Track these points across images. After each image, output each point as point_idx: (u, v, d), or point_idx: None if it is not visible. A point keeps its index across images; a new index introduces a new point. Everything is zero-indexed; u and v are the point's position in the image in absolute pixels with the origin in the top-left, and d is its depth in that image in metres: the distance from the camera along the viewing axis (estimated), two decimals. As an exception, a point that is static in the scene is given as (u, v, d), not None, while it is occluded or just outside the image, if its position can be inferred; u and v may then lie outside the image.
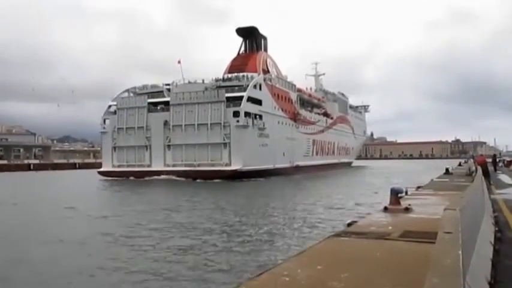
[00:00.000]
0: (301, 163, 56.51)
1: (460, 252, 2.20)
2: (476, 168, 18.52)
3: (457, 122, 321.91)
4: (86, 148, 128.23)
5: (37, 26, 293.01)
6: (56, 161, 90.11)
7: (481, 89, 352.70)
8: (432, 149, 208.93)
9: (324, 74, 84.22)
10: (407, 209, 7.85)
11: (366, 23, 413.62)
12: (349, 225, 6.45)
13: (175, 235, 13.21)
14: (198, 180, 40.42)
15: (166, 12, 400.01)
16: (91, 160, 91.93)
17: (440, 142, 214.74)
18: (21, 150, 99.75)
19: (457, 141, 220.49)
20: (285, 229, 13.90)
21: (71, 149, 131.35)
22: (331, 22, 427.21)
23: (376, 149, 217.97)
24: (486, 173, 16.97)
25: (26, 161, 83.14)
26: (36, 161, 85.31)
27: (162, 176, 43.82)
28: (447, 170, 26.45)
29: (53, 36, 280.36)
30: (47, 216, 18.40)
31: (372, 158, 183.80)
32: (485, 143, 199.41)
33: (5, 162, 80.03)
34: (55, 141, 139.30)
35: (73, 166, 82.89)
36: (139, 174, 45.49)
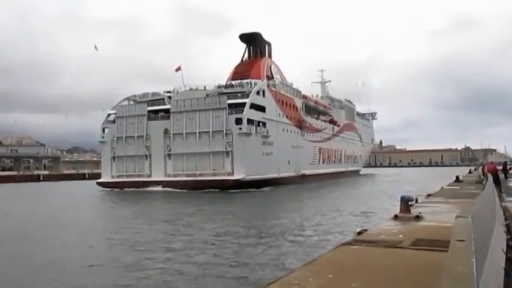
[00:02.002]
0: (307, 172, 56.29)
1: (474, 260, 2.24)
2: (486, 176, 18.55)
3: (466, 130, 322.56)
4: (95, 158, 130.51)
5: (39, 35, 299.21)
6: (65, 171, 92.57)
7: (488, 96, 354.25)
8: (442, 156, 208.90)
9: (330, 81, 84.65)
10: (417, 217, 7.94)
11: (370, 32, 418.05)
12: (359, 233, 6.54)
13: (179, 245, 13.31)
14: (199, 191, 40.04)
15: (170, 22, 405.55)
16: (100, 170, 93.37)
17: (450, 150, 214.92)
18: (31, 161, 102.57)
19: (467, 149, 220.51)
20: (293, 239, 13.97)
21: (80, 159, 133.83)
22: (336, 32, 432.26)
23: (385, 156, 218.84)
24: (497, 181, 17.01)
25: (35, 172, 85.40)
26: (46, 172, 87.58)
27: (159, 188, 43.14)
28: (457, 177, 26.50)
29: (55, 45, 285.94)
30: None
31: (381, 165, 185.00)
32: (495, 150, 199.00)
33: (15, 173, 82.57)
34: (64, 152, 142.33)
35: (82, 176, 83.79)
36: (138, 185, 45.26)
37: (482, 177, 22.34)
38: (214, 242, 13.85)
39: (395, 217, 8.04)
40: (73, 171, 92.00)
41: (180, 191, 41.04)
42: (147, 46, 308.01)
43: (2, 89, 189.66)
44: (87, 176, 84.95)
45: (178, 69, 53.92)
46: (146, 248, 13.13)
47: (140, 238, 15.23)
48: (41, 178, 77.67)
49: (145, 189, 43.47)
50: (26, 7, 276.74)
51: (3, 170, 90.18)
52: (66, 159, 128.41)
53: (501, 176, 23.79)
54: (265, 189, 40.90)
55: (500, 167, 28.98)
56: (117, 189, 44.97)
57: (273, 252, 11.93)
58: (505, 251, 5.57)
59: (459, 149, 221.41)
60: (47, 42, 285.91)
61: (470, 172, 42.38)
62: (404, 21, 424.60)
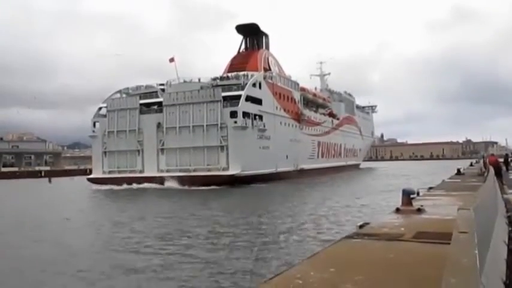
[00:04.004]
0: (305, 166, 56.47)
1: (477, 251, 2.32)
2: (487, 168, 18.82)
3: (467, 123, 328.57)
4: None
5: (36, 33, 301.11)
6: (66, 167, 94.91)
7: (490, 89, 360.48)
8: (443, 149, 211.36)
9: (329, 73, 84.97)
10: (419, 210, 8.10)
11: (371, 25, 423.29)
12: (361, 227, 6.67)
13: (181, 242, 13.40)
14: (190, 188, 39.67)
15: (168, 18, 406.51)
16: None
17: (451, 143, 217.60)
18: (32, 157, 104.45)
19: (468, 142, 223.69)
20: (293, 235, 14.13)
21: (81, 155, 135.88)
22: (336, 25, 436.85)
23: (387, 150, 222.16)
24: (498, 173, 17.28)
25: (37, 168, 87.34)
26: (47, 168, 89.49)
27: (145, 185, 42.30)
28: (459, 170, 26.83)
29: (53, 42, 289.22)
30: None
31: (382, 159, 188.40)
32: (496, 143, 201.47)
33: (16, 169, 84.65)
34: (65, 148, 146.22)
35: (84, 172, 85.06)
36: (130, 181, 44.75)
37: (483, 169, 22.61)
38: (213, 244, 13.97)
39: (397, 210, 8.20)
40: (74, 167, 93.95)
41: (166, 187, 40.77)
42: (148, 42, 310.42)
43: (2, 85, 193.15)
44: (88, 171, 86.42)
45: (171, 60, 53.49)
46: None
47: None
48: (42, 174, 79.15)
49: (130, 186, 42.85)
50: (25, 5, 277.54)
51: (5, 166, 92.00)
52: (68, 154, 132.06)
53: (502, 168, 24.13)
54: (262, 185, 40.96)
55: (501, 160, 29.34)
56: (107, 186, 44.70)
57: (275, 248, 12.10)
58: (506, 242, 5.72)
59: (460, 142, 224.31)
60: (47, 39, 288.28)
61: (471, 165, 42.84)
62: (404, 13, 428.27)
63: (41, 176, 76.61)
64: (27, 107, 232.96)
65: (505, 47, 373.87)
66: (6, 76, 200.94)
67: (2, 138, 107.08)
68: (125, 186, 43.38)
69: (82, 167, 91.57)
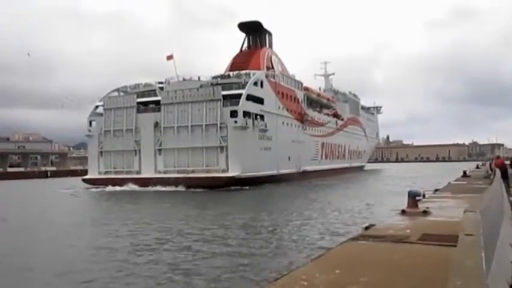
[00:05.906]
0: (308, 168, 56.25)
1: (483, 254, 2.36)
2: (493, 171, 18.94)
3: (473, 124, 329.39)
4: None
5: (35, 32, 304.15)
6: (72, 167, 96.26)
7: (494, 89, 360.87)
8: (449, 151, 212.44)
9: (333, 73, 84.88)
10: (425, 212, 8.23)
11: (372, 25, 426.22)
12: (366, 228, 6.77)
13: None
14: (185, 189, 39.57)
15: (169, 16, 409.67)
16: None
17: (457, 145, 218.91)
18: (38, 157, 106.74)
19: (474, 144, 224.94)
20: (297, 238, 14.23)
21: (87, 155, 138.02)
22: (338, 26, 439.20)
23: (392, 152, 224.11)
24: (505, 176, 17.36)
25: (43, 168, 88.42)
26: (53, 168, 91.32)
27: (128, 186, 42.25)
28: (465, 172, 27.03)
29: (52, 41, 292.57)
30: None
31: (388, 161, 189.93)
32: (502, 145, 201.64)
33: (22, 169, 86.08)
34: (71, 148, 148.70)
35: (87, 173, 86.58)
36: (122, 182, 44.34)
37: (489, 172, 22.77)
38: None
39: (403, 212, 8.32)
40: (80, 167, 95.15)
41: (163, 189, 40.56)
42: (149, 40, 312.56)
43: (7, 86, 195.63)
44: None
45: (170, 57, 53.32)
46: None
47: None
48: (49, 174, 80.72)
49: (117, 188, 42.53)
50: (22, 3, 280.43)
51: (11, 166, 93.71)
52: (74, 155, 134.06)
53: (509, 170, 24.22)
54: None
55: (508, 162, 29.45)
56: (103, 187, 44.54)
57: (279, 250, 12.23)
58: (513, 246, 5.81)
59: (466, 144, 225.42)
60: (49, 37, 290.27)
61: (477, 167, 43.06)
62: (406, 13, 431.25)
63: (48, 176, 77.71)
64: (33, 108, 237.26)
65: (506, 47, 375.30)
66: (11, 76, 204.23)
67: (8, 139, 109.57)
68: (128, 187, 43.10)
69: (87, 167, 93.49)
